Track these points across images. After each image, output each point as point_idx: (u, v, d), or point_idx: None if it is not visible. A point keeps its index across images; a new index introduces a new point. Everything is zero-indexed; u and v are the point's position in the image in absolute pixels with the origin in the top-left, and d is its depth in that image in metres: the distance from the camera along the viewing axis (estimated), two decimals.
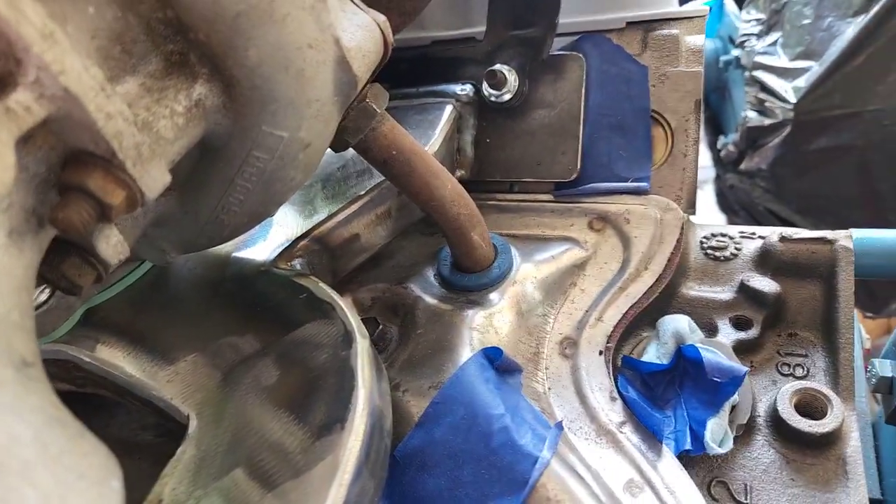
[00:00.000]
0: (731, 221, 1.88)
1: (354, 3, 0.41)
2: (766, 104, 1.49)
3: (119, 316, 0.53)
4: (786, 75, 1.47)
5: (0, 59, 0.27)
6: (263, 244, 0.58)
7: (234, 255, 0.57)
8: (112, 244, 0.35)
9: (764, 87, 1.50)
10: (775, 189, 1.57)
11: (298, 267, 0.56)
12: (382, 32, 0.41)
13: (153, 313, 0.53)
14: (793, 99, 1.43)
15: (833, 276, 0.60)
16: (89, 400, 0.56)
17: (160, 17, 0.34)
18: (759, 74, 1.53)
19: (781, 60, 1.49)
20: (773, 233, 0.65)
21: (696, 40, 0.67)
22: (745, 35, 1.59)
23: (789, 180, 1.53)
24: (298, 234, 0.59)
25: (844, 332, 0.58)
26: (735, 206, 1.76)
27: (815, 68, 1.40)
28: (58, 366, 0.50)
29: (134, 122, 0.31)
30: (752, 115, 1.53)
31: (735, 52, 1.64)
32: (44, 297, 0.52)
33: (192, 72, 0.35)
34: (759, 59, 1.54)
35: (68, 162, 0.30)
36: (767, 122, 1.49)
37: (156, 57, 0.34)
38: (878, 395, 0.73)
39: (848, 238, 0.60)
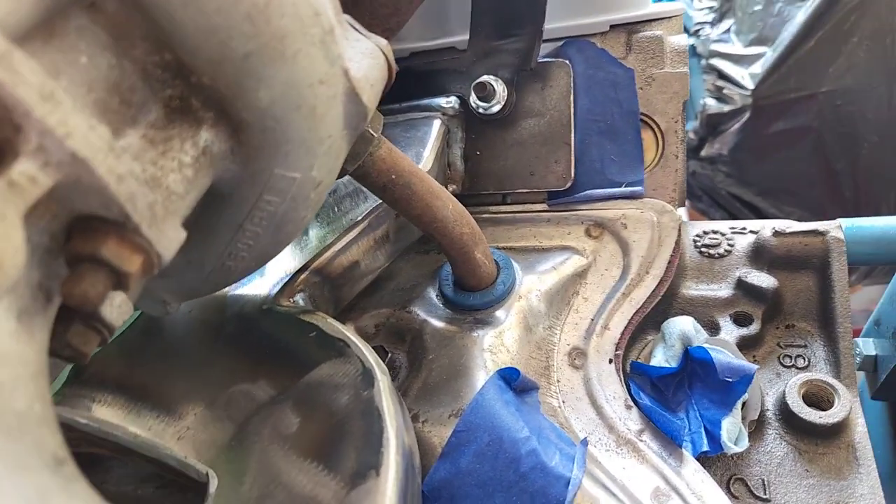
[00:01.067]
0: (694, 207, 1.93)
1: (356, 29, 0.39)
2: (725, 91, 1.52)
3: (112, 370, 0.49)
4: (741, 62, 1.50)
5: None
6: (261, 280, 0.55)
7: (231, 293, 0.54)
8: (117, 305, 0.33)
9: (721, 75, 1.53)
10: (737, 173, 1.61)
11: (301, 302, 0.53)
12: (386, 57, 0.40)
13: (150, 364, 0.50)
14: (750, 85, 1.47)
15: (827, 266, 0.61)
16: (80, 456, 0.52)
17: (156, 61, 0.31)
18: (716, 62, 1.56)
19: (736, 47, 1.52)
20: (763, 227, 0.66)
21: (679, 40, 0.68)
22: (698, 24, 1.62)
23: (750, 164, 1.57)
24: (297, 267, 0.56)
25: (842, 320, 0.59)
26: (698, 192, 1.80)
27: (770, 54, 1.44)
28: None
29: (144, 180, 0.28)
30: (711, 103, 1.56)
31: (690, 41, 1.67)
32: None
33: (195, 117, 0.32)
34: (715, 46, 1.57)
35: (74, 229, 0.28)
36: (726, 108, 1.52)
37: (155, 105, 0.31)
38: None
39: (838, 228, 0.61)
